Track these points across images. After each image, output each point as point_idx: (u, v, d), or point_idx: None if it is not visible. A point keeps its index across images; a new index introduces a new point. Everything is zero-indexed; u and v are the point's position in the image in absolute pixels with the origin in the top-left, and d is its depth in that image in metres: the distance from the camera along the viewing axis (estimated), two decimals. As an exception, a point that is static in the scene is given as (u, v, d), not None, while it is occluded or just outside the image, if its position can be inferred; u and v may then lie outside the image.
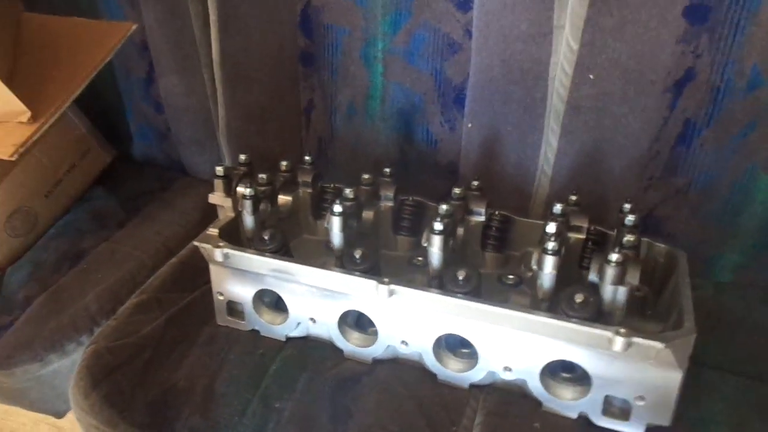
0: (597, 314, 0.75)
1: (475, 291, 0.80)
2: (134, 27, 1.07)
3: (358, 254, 0.85)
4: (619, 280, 0.73)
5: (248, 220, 0.92)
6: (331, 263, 0.91)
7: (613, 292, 0.74)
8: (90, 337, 0.99)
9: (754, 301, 0.95)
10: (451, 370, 0.85)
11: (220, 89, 1.09)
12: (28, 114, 0.96)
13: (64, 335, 0.98)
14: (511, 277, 0.95)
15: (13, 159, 0.93)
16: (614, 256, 0.73)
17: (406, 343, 0.86)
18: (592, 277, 0.75)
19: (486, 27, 0.89)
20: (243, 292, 0.93)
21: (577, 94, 0.87)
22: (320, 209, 1.05)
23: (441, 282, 0.81)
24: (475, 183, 0.93)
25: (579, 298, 0.74)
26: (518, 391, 0.83)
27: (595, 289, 0.76)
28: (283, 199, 1.01)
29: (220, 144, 1.18)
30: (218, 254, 0.90)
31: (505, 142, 0.96)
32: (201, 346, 0.95)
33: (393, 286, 0.80)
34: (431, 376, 0.86)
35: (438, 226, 0.80)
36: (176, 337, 0.97)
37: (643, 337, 0.70)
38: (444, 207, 0.85)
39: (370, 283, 0.81)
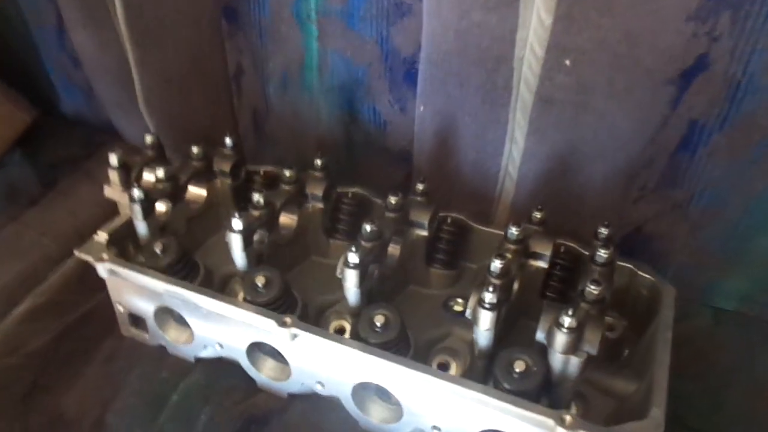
0: (541, 385, 0.59)
1: (396, 340, 0.64)
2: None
3: (260, 282, 0.68)
4: (572, 349, 0.56)
5: (140, 226, 0.75)
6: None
7: (564, 362, 0.57)
8: (-22, 343, 0.86)
9: (756, 340, 0.78)
10: (374, 420, 0.71)
11: (129, 49, 0.90)
12: None
13: (-53, 343, 0.86)
14: (459, 301, 0.77)
15: None
16: (567, 320, 0.55)
17: (323, 385, 0.71)
18: (540, 336, 0.58)
19: (438, -14, 0.68)
20: (143, 306, 0.79)
21: (549, 83, 0.66)
22: (245, 200, 0.87)
23: (356, 325, 0.65)
24: (420, 186, 0.75)
25: (519, 366, 0.58)
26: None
27: (542, 350, 0.59)
28: (194, 193, 0.84)
29: (141, 110, 1.00)
30: (102, 269, 0.74)
31: (462, 134, 0.77)
32: (99, 364, 0.82)
33: (295, 330, 0.64)
34: (353, 421, 0.72)
35: (353, 258, 0.63)
36: (72, 351, 0.83)
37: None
38: (368, 227, 0.67)
39: (269, 322, 0.66)
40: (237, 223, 0.68)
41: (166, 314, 0.79)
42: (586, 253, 0.72)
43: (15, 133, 1.15)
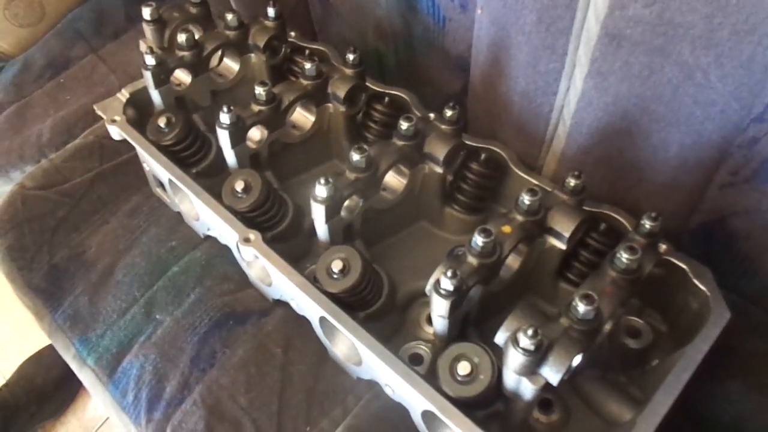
0: (491, 393, 0.49)
1: (357, 288, 0.56)
2: None
3: (239, 186, 0.63)
4: (527, 371, 0.45)
5: (153, 95, 0.71)
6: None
7: (516, 382, 0.47)
8: (35, 166, 0.92)
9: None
10: (339, 354, 0.66)
11: None
12: None
13: (10, 161, 0.93)
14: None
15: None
16: (524, 341, 0.44)
17: (296, 303, 0.67)
18: (499, 339, 0.47)
19: None
20: (160, 172, 0.77)
21: (619, 12, 0.47)
22: (284, 79, 0.79)
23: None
24: (448, 113, 0.62)
25: (463, 368, 0.48)
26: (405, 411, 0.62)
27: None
28: (226, 65, 0.77)
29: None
30: (113, 131, 0.73)
31: (514, 55, 0.60)
32: (122, 216, 0.85)
33: (256, 251, 0.59)
34: (323, 347, 0.68)
35: (321, 191, 0.54)
36: (104, 196, 0.86)
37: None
38: (356, 155, 0.57)
39: (233, 234, 0.61)
40: (225, 117, 0.61)
41: (183, 185, 0.78)
42: (631, 237, 0.56)
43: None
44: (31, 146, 0.93)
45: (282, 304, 0.72)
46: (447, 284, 0.47)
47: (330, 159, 0.76)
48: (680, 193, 0.58)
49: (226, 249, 0.76)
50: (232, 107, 0.61)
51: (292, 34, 0.81)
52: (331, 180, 0.54)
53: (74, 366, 0.77)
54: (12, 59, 1.09)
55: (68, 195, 0.85)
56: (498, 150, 0.65)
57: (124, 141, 0.79)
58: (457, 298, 0.47)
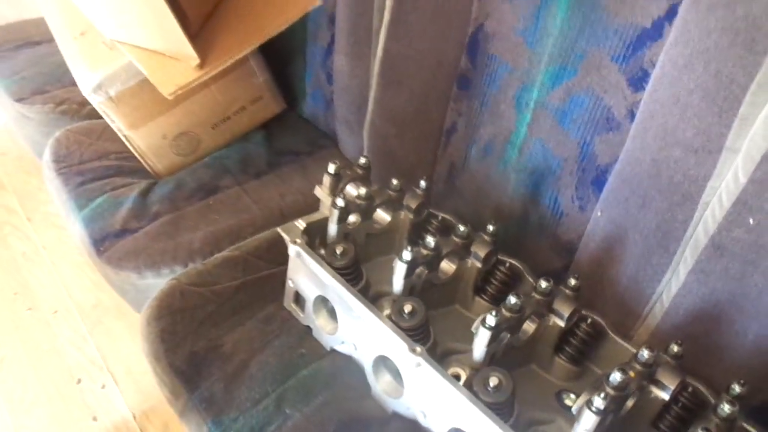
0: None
1: (504, 404, 0.71)
2: (318, 4, 1.10)
3: (407, 309, 0.79)
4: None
5: (332, 228, 0.91)
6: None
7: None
8: (183, 269, 1.08)
9: None
10: (460, 467, 0.78)
11: (374, 84, 1.08)
12: (197, 61, 1.04)
13: (163, 260, 1.09)
14: (572, 396, 0.82)
15: (170, 97, 1.02)
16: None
17: (425, 416, 0.80)
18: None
19: (650, 117, 0.75)
20: (308, 289, 0.94)
21: (726, 233, 0.69)
22: (417, 236, 1.00)
23: (471, 377, 0.73)
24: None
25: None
26: None
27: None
28: (380, 215, 0.98)
29: (364, 134, 1.18)
30: (292, 249, 0.91)
31: (628, 248, 0.81)
32: (258, 320, 0.99)
33: (420, 360, 0.74)
34: (441, 460, 0.80)
35: (491, 321, 0.72)
36: (243, 302, 1.02)
37: None
38: (513, 299, 0.75)
39: (402, 345, 0.76)
40: (407, 255, 0.80)
41: (322, 304, 0.94)
42: (713, 401, 0.73)
43: (265, 117, 1.40)
44: (183, 250, 1.10)
45: (399, 419, 0.85)
46: (599, 403, 0.62)
47: (453, 303, 0.94)
48: (751, 373, 0.75)
49: (349, 363, 0.90)
50: (414, 248, 0.80)
51: (425, 200, 1.03)
52: (498, 315, 0.72)
53: (203, 444, 0.86)
54: (163, 179, 1.30)
55: (217, 294, 1.01)
56: (599, 320, 0.84)
57: (263, 261, 0.97)
58: (604, 417, 0.63)
